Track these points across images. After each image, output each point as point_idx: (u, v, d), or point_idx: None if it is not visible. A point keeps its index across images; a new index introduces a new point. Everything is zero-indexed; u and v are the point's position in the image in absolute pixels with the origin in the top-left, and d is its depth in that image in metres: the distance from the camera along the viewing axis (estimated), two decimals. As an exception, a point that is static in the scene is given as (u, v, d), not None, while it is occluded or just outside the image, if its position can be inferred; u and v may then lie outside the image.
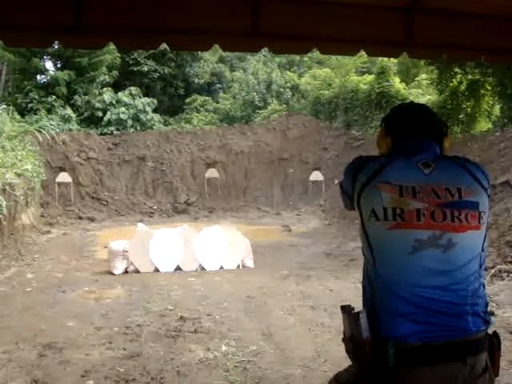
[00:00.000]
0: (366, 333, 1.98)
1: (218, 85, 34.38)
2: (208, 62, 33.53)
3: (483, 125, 19.84)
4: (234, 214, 21.88)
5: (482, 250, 2.07)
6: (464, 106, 19.75)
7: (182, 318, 7.09)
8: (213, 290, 8.80)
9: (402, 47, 4.70)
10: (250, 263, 11.14)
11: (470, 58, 5.39)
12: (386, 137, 2.31)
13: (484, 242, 2.08)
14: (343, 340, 2.12)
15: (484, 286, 2.09)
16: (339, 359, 5.49)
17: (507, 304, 7.29)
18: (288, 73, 32.42)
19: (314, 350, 5.85)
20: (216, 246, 10.89)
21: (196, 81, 32.68)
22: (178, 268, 10.57)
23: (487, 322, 2.05)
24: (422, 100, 22.68)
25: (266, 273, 10.35)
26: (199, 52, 29.70)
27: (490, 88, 18.94)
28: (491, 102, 19.65)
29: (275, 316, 7.31)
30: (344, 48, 4.70)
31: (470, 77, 19.06)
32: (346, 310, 2.09)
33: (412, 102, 2.60)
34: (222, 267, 10.76)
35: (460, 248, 2.00)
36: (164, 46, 4.17)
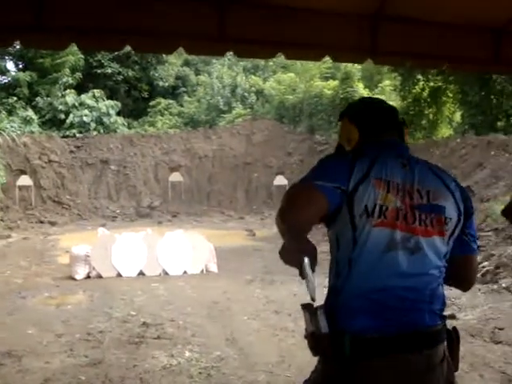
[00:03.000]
0: (324, 328, 1.97)
1: (183, 88, 34.23)
2: (173, 65, 33.39)
3: (444, 131, 20.20)
4: (197, 219, 21.79)
5: (445, 257, 2.07)
6: (426, 112, 20.12)
7: (144, 323, 6.98)
8: (176, 295, 8.72)
9: (367, 54, 4.72)
10: (213, 268, 11.08)
11: (434, 66, 5.44)
12: (354, 129, 2.20)
13: (447, 248, 2.07)
14: (305, 337, 2.11)
15: (442, 286, 2.11)
16: (304, 364, 5.48)
17: (468, 307, 7.39)
18: (253, 77, 32.50)
19: (278, 355, 5.82)
20: (179, 250, 10.80)
21: (160, 84, 32.51)
22: (141, 273, 10.45)
23: (443, 318, 2.08)
24: (386, 106, 22.95)
25: (230, 277, 10.30)
26: (164, 55, 29.54)
27: (451, 95, 19.31)
28: (452, 109, 20.02)
29: (239, 321, 7.26)
30: (309, 53, 4.71)
31: (432, 84, 19.41)
32: (306, 307, 2.08)
33: (371, 96, 2.58)
34: (185, 272, 10.67)
35: (424, 253, 2.00)
36: (128, 48, 4.13)
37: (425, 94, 19.94)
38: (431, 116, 20.10)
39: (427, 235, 2.01)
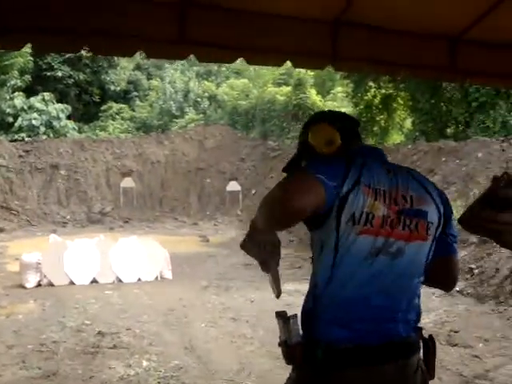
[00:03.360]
0: (297, 337, 1.96)
1: (135, 93, 33.86)
2: (125, 69, 33.00)
3: (396, 137, 20.55)
4: (150, 224, 21.54)
5: (426, 263, 2.06)
6: (378, 118, 20.42)
7: (100, 333, 6.82)
8: (131, 303, 8.56)
9: (328, 60, 4.71)
10: (168, 275, 10.94)
11: (392, 72, 5.47)
12: (336, 132, 2.11)
13: (429, 253, 2.06)
14: (279, 345, 2.08)
15: (419, 297, 2.11)
16: (263, 371, 5.48)
17: (424, 311, 7.40)
18: (206, 82, 32.41)
19: (237, 363, 5.77)
20: (133, 257, 10.63)
21: (112, 88, 32.06)
22: (94, 280, 10.22)
23: (418, 329, 2.07)
24: (338, 112, 23.21)
25: (185, 284, 10.19)
26: (116, 59, 29.20)
27: (402, 102, 19.63)
28: (403, 116, 20.37)
29: (196, 328, 7.18)
30: (270, 59, 4.65)
31: (383, 91, 19.70)
32: (280, 314, 2.05)
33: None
34: (139, 279, 10.50)
35: (406, 257, 1.99)
36: (86, 50, 4.02)
37: (376, 100, 20.23)
38: (383, 122, 20.40)
39: (410, 240, 2.00)
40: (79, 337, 6.73)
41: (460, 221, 2.08)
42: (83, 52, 4.33)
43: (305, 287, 7.66)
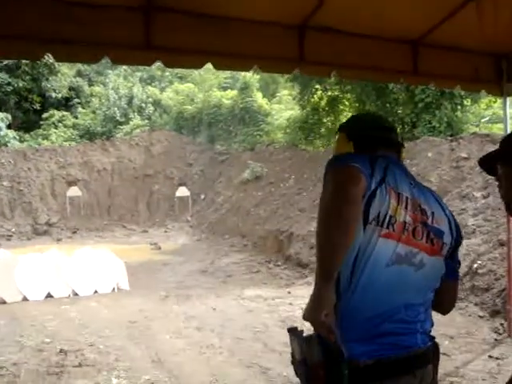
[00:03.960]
0: (319, 356, 1.89)
1: (77, 99, 33.05)
2: (65, 75, 32.17)
3: (343, 139, 20.73)
4: (99, 234, 21.13)
5: (441, 279, 2.07)
6: (325, 120, 20.54)
7: (62, 351, 6.55)
8: (91, 318, 8.28)
9: (295, 64, 4.69)
10: (125, 285, 10.70)
11: (358, 76, 5.52)
12: (349, 143, 2.16)
13: (444, 271, 2.07)
14: (293, 363, 2.01)
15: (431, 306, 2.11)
16: (238, 382, 5.38)
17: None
18: (149, 87, 31.99)
19: (210, 374, 5.64)
20: (89, 268, 10.35)
21: (53, 95, 31.16)
22: (49, 295, 9.85)
23: (432, 338, 2.08)
24: (285, 115, 23.35)
25: (143, 295, 9.98)
26: (56, 65, 28.48)
27: (348, 104, 19.82)
28: (350, 117, 20.60)
29: (162, 340, 7.00)
30: (238, 63, 4.60)
31: (329, 93, 19.85)
32: (295, 332, 1.98)
33: (372, 114, 2.54)
34: (96, 291, 10.21)
35: (428, 270, 1.99)
36: (48, 57, 3.88)
37: (323, 103, 20.37)
38: (330, 124, 20.54)
39: (432, 253, 2.00)
40: (41, 356, 6.42)
41: None
42: (46, 58, 4.19)
43: (265, 292, 7.65)
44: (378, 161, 1.98)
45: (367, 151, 2.10)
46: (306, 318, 1.80)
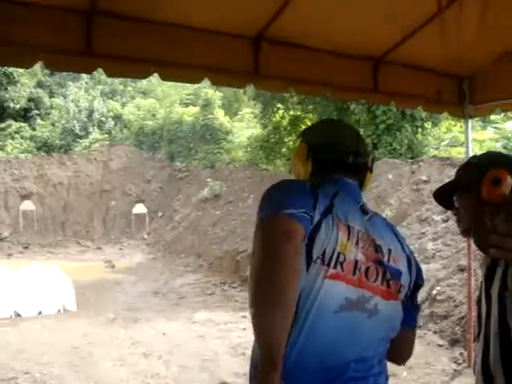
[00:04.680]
0: None
1: (36, 111, 32.24)
2: (25, 86, 31.40)
3: (304, 159, 20.60)
4: (52, 250, 20.49)
5: (397, 327, 1.74)
6: (286, 140, 20.36)
7: (-6, 379, 6.09)
8: (31, 342, 7.78)
9: (249, 78, 4.39)
10: (72, 306, 10.19)
11: (316, 92, 5.26)
12: (307, 162, 1.84)
13: (401, 317, 1.74)
14: None
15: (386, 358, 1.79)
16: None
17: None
18: (111, 102, 31.44)
19: (151, 409, 5.25)
20: (34, 287, 9.82)
21: (11, 105, 30.31)
22: (-11, 316, 9.30)
23: None
24: (246, 133, 23.14)
25: (90, 317, 9.50)
26: (16, 76, 27.79)
27: (310, 124, 19.70)
28: (311, 138, 20.47)
29: (104, 369, 6.56)
30: (187, 75, 4.24)
31: (292, 112, 19.71)
32: None
33: (339, 119, 2.17)
34: (40, 312, 9.67)
35: (383, 318, 1.66)
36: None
37: (285, 122, 20.22)
38: (291, 144, 20.38)
39: (388, 298, 1.67)
40: (-31, 385, 5.97)
41: None
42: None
43: (217, 316, 7.22)
44: (324, 187, 1.69)
45: (324, 172, 1.80)
46: None
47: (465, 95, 5.63)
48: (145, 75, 4.07)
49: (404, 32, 4.67)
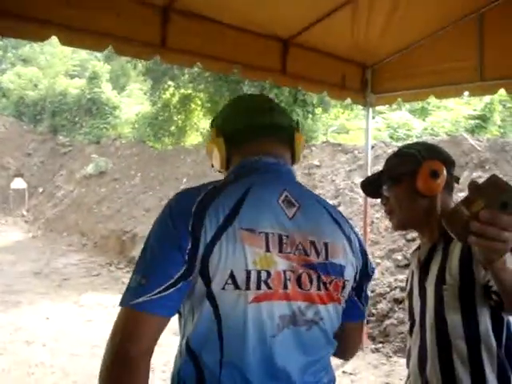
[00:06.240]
0: None
1: None
2: None
3: (193, 138, 20.29)
4: None
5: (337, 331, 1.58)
6: (175, 118, 19.99)
7: None
8: None
9: (156, 49, 4.11)
10: None
11: (224, 70, 5.08)
12: (218, 139, 1.59)
13: (340, 319, 1.57)
14: None
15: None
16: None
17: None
18: (-13, 68, 29.54)
19: (37, 401, 4.91)
20: None
21: None
22: None
23: None
24: (134, 110, 22.51)
25: (-36, 300, 8.82)
26: None
27: (200, 103, 19.45)
28: (201, 117, 20.20)
29: (-18, 358, 6.09)
30: (89, 41, 3.86)
31: (182, 91, 19.35)
32: None
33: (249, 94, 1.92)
34: None
35: (324, 324, 1.48)
36: None
37: (174, 100, 19.82)
38: (180, 122, 20.05)
39: (328, 301, 1.48)
40: None
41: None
42: None
43: (105, 299, 6.90)
44: (232, 185, 1.44)
45: (240, 152, 1.56)
46: None
47: (367, 83, 5.70)
48: (42, 37, 3.65)
49: (314, 16, 4.61)
